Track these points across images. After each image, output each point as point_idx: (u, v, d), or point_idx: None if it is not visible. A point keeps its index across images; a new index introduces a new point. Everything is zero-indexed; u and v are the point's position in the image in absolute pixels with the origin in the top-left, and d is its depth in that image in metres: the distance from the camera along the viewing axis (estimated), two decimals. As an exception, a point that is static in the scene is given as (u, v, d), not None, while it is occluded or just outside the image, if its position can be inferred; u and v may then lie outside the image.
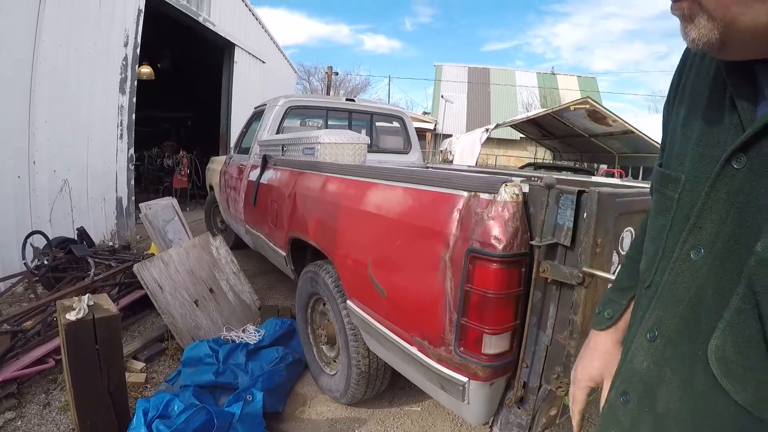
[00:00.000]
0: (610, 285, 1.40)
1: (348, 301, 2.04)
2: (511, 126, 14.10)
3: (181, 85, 11.72)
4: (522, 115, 14.65)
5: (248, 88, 9.43)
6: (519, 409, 1.44)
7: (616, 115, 10.84)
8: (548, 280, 1.31)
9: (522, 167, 10.77)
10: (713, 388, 0.50)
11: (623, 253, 1.46)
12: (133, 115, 5.73)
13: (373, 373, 2.16)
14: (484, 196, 1.37)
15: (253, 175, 3.48)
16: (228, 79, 8.76)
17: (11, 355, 2.36)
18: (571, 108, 11.07)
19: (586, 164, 14.47)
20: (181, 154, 8.86)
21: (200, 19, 7.11)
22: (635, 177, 12.44)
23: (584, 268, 1.22)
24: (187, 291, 2.92)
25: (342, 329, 2.17)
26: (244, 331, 2.77)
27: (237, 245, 4.72)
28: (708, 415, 0.52)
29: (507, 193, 1.32)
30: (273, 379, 2.29)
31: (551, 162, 16.46)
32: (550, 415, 1.46)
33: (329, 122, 4.32)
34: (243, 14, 9.14)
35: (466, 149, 12.24)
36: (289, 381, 2.47)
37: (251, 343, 2.58)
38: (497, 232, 1.30)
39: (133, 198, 5.89)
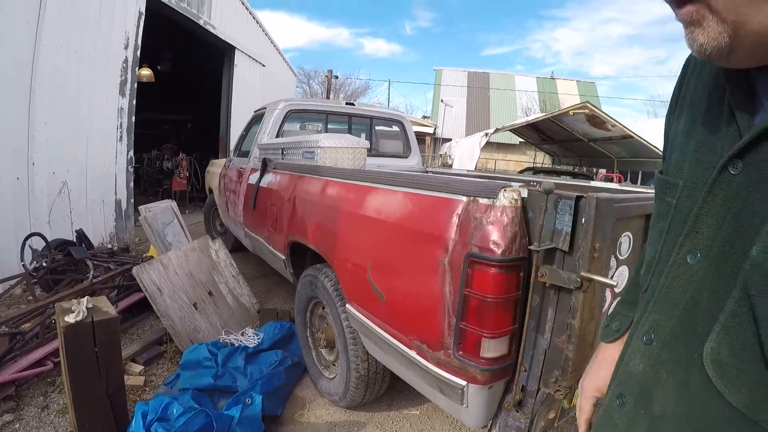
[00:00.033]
0: (608, 289, 1.41)
1: (347, 305, 2.04)
2: (510, 130, 14.15)
3: (181, 88, 11.74)
4: (521, 120, 14.70)
5: (248, 92, 9.45)
6: (517, 412, 1.44)
7: (615, 120, 10.87)
8: (546, 285, 1.32)
9: (521, 171, 10.79)
10: (708, 390, 0.51)
11: (621, 257, 1.47)
12: (133, 118, 5.73)
13: (372, 377, 2.16)
14: (483, 201, 1.38)
15: (253, 179, 3.49)
16: (228, 82, 8.77)
17: (9, 357, 2.36)
18: (571, 113, 11.09)
19: (585, 169, 14.48)
20: (181, 156, 8.85)
21: (201, 22, 7.12)
22: (634, 181, 12.45)
23: (582, 273, 1.22)
24: (186, 294, 2.92)
25: (341, 333, 2.17)
26: (242, 334, 2.77)
27: (236, 248, 4.72)
28: (703, 417, 0.52)
29: (506, 198, 1.33)
30: (272, 383, 2.30)
31: (550, 166, 16.46)
32: (549, 419, 1.47)
33: (329, 126, 4.33)
34: (243, 17, 9.16)
35: (465, 153, 12.27)
36: (288, 384, 2.47)
37: (250, 346, 2.59)
38: (496, 236, 1.31)
39: (132, 200, 5.88)
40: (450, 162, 13.60)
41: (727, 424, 0.50)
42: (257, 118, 4.34)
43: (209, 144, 10.12)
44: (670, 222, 0.61)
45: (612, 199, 1.32)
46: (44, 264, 3.42)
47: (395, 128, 4.69)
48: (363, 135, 4.44)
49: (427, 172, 4.48)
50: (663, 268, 0.60)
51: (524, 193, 1.37)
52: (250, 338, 2.70)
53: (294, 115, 4.08)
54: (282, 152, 3.35)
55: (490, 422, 1.52)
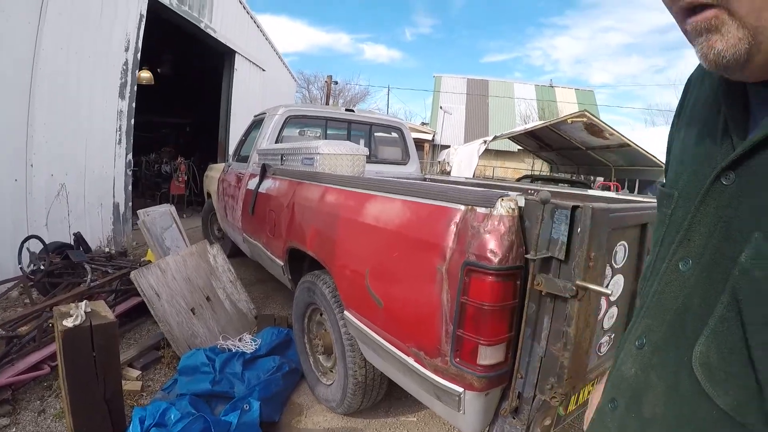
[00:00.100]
0: (603, 298, 1.42)
1: (345, 312, 2.05)
2: (509, 138, 14.20)
3: (180, 91, 11.74)
4: (520, 128, 14.75)
5: (248, 96, 9.47)
6: (514, 419, 1.45)
7: (613, 129, 10.93)
8: (543, 293, 1.33)
9: (519, 179, 10.84)
10: (697, 393, 0.53)
11: (616, 266, 1.49)
12: (132, 120, 5.73)
13: (369, 383, 2.17)
14: (480, 209, 1.39)
15: (252, 184, 3.50)
16: (228, 86, 8.79)
17: (6, 360, 2.36)
18: (569, 121, 11.15)
19: (582, 176, 14.55)
20: (179, 160, 8.85)
21: (202, 26, 7.14)
22: (631, 190, 12.51)
23: (578, 282, 1.24)
24: (184, 299, 2.92)
25: (339, 339, 2.18)
26: (240, 340, 2.77)
27: (234, 253, 4.72)
28: (692, 420, 0.54)
29: (503, 207, 1.35)
30: (269, 389, 2.30)
31: (548, 174, 16.54)
32: (545, 425, 1.48)
33: (328, 132, 4.35)
34: (244, 21, 9.19)
35: (463, 160, 12.30)
36: (285, 390, 2.47)
37: (248, 352, 2.59)
38: (493, 245, 1.33)
39: (131, 204, 5.88)
40: (448, 169, 13.62)
41: (715, 427, 0.52)
42: (257, 123, 4.36)
43: (208, 148, 10.12)
44: (665, 231, 0.63)
45: (607, 209, 1.34)
46: (42, 267, 3.41)
47: (394, 135, 4.72)
48: (362, 141, 4.47)
49: (425, 179, 4.51)
50: (656, 275, 0.62)
51: (521, 203, 1.39)
52: (248, 344, 2.70)
53: (293, 120, 4.10)
54: (281, 158, 3.37)
55: (487, 429, 1.53)
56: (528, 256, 1.32)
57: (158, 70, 10.08)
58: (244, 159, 4.20)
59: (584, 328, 1.33)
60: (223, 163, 5.37)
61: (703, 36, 0.47)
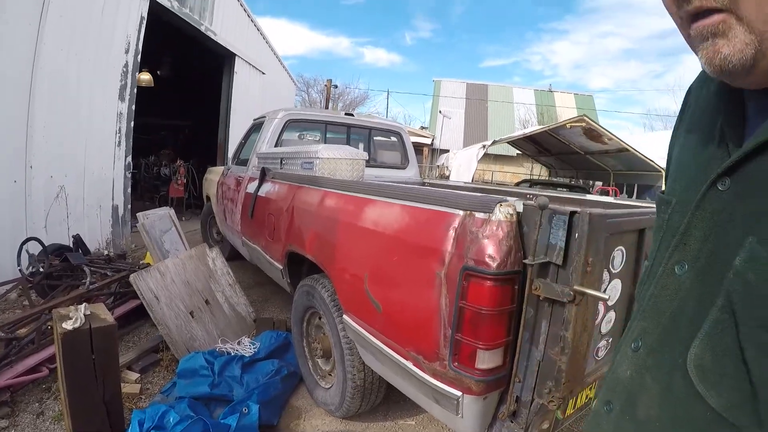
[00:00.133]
0: (600, 302, 1.43)
1: (344, 316, 2.06)
2: (508, 142, 14.25)
3: (180, 93, 11.75)
4: (519, 132, 14.82)
5: (247, 99, 9.48)
6: (512, 422, 1.46)
7: (612, 133, 10.98)
8: (540, 298, 1.34)
9: (518, 184, 10.87)
10: (691, 395, 0.54)
11: (614, 271, 1.50)
12: (132, 123, 5.72)
13: (368, 387, 2.17)
14: (479, 215, 1.41)
15: (251, 188, 3.51)
16: (227, 89, 8.79)
17: (5, 362, 2.36)
18: (568, 126, 11.20)
19: (581, 181, 14.60)
20: (179, 162, 8.85)
21: (202, 29, 7.12)
22: (630, 194, 12.54)
23: (575, 287, 1.25)
24: (183, 302, 2.93)
25: (338, 343, 2.19)
26: (239, 343, 2.77)
27: (233, 257, 4.73)
28: (686, 421, 0.55)
29: (501, 213, 1.36)
30: (268, 392, 2.30)
31: (547, 179, 16.58)
32: (543, 429, 1.48)
33: (328, 136, 4.37)
34: (245, 24, 9.20)
35: (462, 165, 12.34)
36: (284, 394, 2.48)
37: (246, 355, 2.59)
38: (491, 250, 1.34)
39: (129, 206, 5.87)
40: (447, 173, 13.67)
41: (708, 428, 0.53)
42: (256, 127, 4.38)
43: (207, 151, 10.13)
44: (662, 236, 0.64)
45: (605, 214, 1.35)
46: (41, 269, 3.42)
47: (393, 139, 4.74)
48: (361, 145, 4.48)
49: (424, 183, 4.52)
50: (653, 279, 0.63)
51: (520, 208, 1.40)
52: (247, 347, 2.71)
53: (293, 124, 4.12)
54: (281, 162, 3.38)
55: (485, 433, 1.53)
56: (526, 261, 1.33)
57: (158, 72, 10.09)
58: (244, 162, 4.21)
59: (582, 332, 1.34)
60: (222, 166, 5.38)
61: (709, 40, 0.47)
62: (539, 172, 20.02)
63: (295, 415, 2.43)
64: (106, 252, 4.78)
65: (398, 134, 4.74)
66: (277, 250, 2.85)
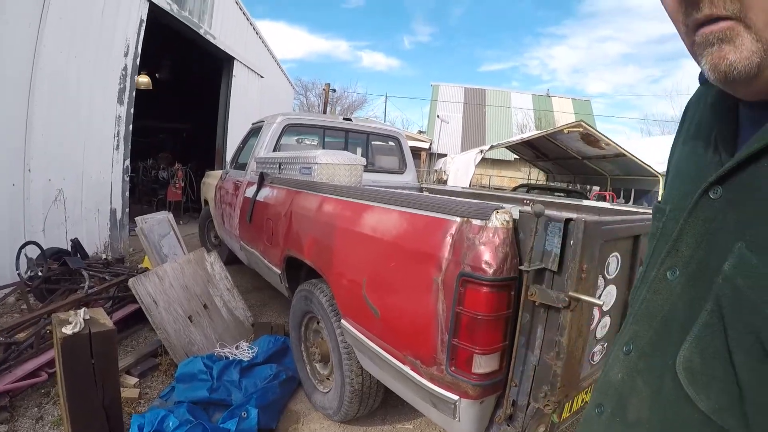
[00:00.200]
0: (595, 308, 1.45)
1: (342, 320, 2.07)
2: (505, 147, 14.30)
3: (178, 97, 11.75)
4: (516, 137, 14.89)
5: (246, 102, 9.49)
6: (508, 426, 1.47)
7: (609, 139, 11.05)
8: (536, 303, 1.36)
9: (515, 188, 10.90)
10: (681, 397, 0.55)
11: (609, 277, 1.53)
12: (131, 126, 5.73)
13: (366, 391, 2.19)
14: (475, 221, 1.43)
15: (250, 192, 3.53)
16: (226, 92, 8.80)
17: (4, 367, 2.36)
18: (565, 131, 11.26)
19: (578, 186, 14.65)
20: (177, 166, 8.83)
21: (201, 32, 7.13)
22: (627, 199, 12.61)
23: (570, 293, 1.27)
24: (182, 306, 2.94)
25: (336, 348, 2.20)
26: (237, 347, 2.78)
27: (230, 261, 4.73)
28: (675, 423, 0.57)
29: (498, 220, 1.38)
30: (266, 396, 2.31)
31: (544, 183, 16.64)
32: (538, 433, 1.50)
33: (326, 140, 4.39)
34: (244, 28, 9.22)
35: (460, 169, 12.38)
36: (282, 398, 2.49)
37: (245, 359, 2.60)
38: (488, 257, 1.36)
39: (128, 210, 5.88)
40: (445, 178, 13.71)
41: (697, 430, 0.54)
42: (255, 131, 4.39)
43: (205, 154, 10.13)
44: (656, 242, 0.66)
45: (600, 221, 1.38)
46: (39, 273, 3.42)
47: (391, 144, 4.77)
48: (359, 150, 4.51)
49: (422, 188, 4.54)
50: (646, 284, 0.65)
51: (516, 215, 1.42)
52: (245, 352, 2.72)
53: (291, 128, 4.14)
54: (279, 167, 3.40)
55: (482, 437, 1.55)
56: (522, 267, 1.36)
57: (156, 75, 10.10)
58: (242, 167, 4.23)
59: (577, 337, 1.36)
60: (221, 170, 5.39)
61: (715, 46, 0.47)
62: (537, 176, 20.10)
63: (294, 419, 2.44)
64: (104, 256, 4.77)
65: (396, 139, 4.76)
66: (276, 254, 2.87)
